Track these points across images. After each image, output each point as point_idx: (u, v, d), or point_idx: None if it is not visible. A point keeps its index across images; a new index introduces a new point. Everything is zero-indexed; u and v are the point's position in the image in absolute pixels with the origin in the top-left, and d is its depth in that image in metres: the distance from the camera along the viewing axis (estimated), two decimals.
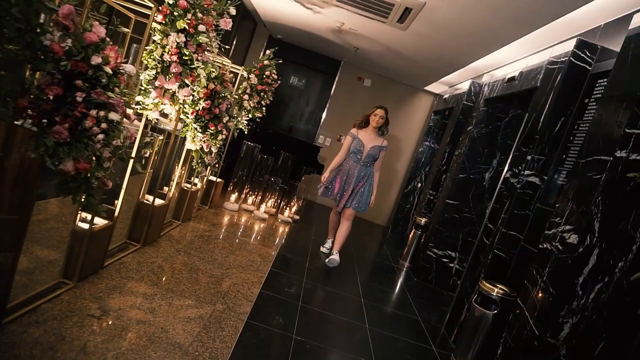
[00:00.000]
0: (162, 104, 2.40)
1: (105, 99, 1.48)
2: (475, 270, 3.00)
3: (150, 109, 2.37)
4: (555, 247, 2.03)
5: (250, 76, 4.36)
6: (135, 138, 2.00)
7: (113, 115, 1.51)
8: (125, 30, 1.74)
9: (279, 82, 4.66)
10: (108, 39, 1.52)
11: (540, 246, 2.18)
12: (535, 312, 2.03)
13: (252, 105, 4.41)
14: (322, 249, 4.26)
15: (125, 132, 1.65)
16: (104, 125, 1.50)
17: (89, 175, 1.56)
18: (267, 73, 4.43)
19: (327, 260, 3.82)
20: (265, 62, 4.45)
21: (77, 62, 1.40)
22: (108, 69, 1.47)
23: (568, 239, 1.95)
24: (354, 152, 3.90)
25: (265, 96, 4.50)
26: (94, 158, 1.58)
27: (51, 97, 1.39)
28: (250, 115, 4.48)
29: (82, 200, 1.63)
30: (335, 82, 6.76)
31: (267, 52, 4.52)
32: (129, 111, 1.71)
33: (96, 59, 1.43)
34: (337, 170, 3.98)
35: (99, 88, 1.46)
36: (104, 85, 1.47)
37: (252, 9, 5.23)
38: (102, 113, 1.48)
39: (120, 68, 1.56)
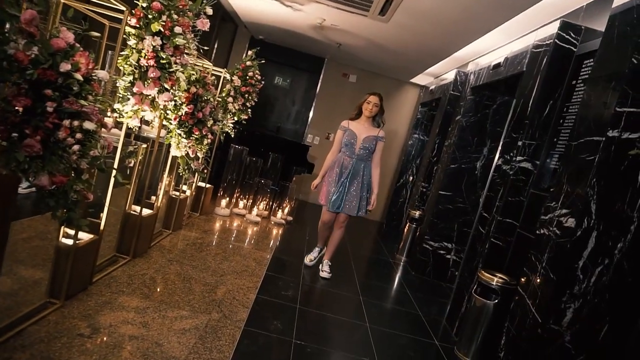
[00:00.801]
0: (142, 110, 2.32)
1: (79, 108, 1.40)
2: (472, 260, 2.97)
3: (130, 117, 2.29)
4: (553, 231, 2.00)
5: (233, 78, 4.29)
6: (114, 147, 1.92)
7: (88, 124, 1.44)
8: (96, 34, 1.67)
9: (262, 82, 4.59)
10: (78, 45, 1.44)
11: (537, 232, 2.15)
12: (537, 299, 2.00)
13: (237, 107, 4.35)
14: (306, 261, 3.66)
15: (103, 141, 1.57)
16: (79, 136, 1.43)
17: (66, 189, 1.49)
18: (251, 74, 4.36)
19: (320, 274, 3.47)
20: (248, 63, 4.39)
21: (45, 71, 1.32)
22: (79, 76, 1.39)
23: (565, 222, 1.92)
24: (346, 145, 3.42)
25: (250, 98, 4.44)
26: (72, 171, 1.51)
27: (20, 110, 1.31)
28: (235, 118, 4.41)
29: (63, 215, 1.56)
30: (320, 80, 6.70)
31: (249, 52, 4.45)
32: (107, 119, 1.64)
33: (65, 66, 1.35)
34: (329, 170, 3.49)
35: (70, 96, 1.39)
36: (75, 93, 1.40)
37: (231, 10, 5.14)
38: (76, 123, 1.41)
39: (93, 74, 1.48)
